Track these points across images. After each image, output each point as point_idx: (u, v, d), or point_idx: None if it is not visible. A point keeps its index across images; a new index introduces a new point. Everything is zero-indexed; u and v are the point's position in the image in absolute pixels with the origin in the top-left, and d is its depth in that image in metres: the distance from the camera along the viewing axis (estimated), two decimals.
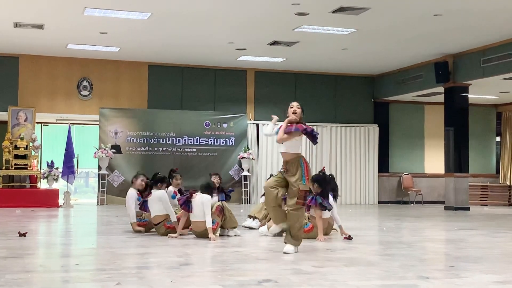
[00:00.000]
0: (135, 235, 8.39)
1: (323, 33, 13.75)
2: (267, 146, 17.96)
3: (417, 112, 19.75)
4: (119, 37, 14.48)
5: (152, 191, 8.61)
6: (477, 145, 19.69)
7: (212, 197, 8.14)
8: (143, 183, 8.93)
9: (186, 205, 8.08)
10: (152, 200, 8.60)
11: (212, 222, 8.04)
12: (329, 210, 8.12)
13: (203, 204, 7.89)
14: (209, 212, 7.89)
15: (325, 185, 8.10)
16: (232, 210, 8.54)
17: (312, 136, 6.73)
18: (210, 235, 7.75)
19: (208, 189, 8.07)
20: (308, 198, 6.85)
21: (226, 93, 17.92)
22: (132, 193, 8.92)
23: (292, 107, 6.80)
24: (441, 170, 17.65)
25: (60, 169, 15.40)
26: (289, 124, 6.71)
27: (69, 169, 15.37)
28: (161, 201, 8.35)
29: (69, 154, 15.45)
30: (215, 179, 10.34)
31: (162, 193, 8.41)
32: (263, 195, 10.14)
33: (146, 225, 8.82)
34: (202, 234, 7.98)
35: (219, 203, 8.38)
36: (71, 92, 16.75)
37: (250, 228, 9.55)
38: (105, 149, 16.01)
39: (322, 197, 8.00)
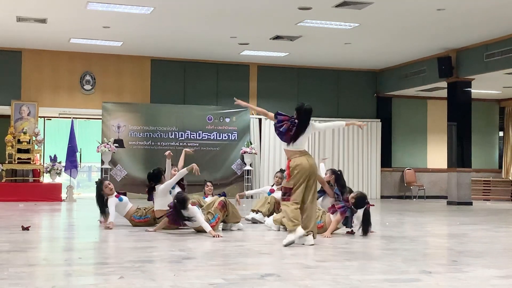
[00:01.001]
0: (137, 229, 8.40)
1: (326, 27, 13.73)
2: (269, 141, 17.96)
3: (420, 107, 19.72)
4: (122, 32, 14.47)
5: (156, 186, 8.64)
6: (479, 140, 19.66)
7: (187, 208, 7.81)
8: (109, 186, 8.79)
9: (176, 221, 7.92)
10: (156, 194, 8.64)
11: (213, 218, 8.04)
12: (347, 228, 8.02)
13: (194, 215, 7.76)
14: (202, 221, 7.75)
15: (361, 206, 7.92)
16: (235, 205, 8.56)
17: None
18: (213, 234, 7.60)
19: (183, 204, 7.77)
20: (287, 194, 7.01)
21: (229, 88, 17.90)
22: (112, 200, 8.67)
23: None
24: (444, 165, 17.64)
25: (63, 163, 15.42)
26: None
27: (72, 163, 15.39)
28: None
29: (72, 149, 15.47)
30: (207, 187, 10.29)
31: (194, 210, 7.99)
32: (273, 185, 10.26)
33: (147, 221, 8.81)
34: (201, 229, 7.92)
35: (222, 198, 8.36)
36: (74, 87, 16.75)
37: (254, 221, 9.55)
38: (107, 144, 16.01)
39: (352, 213, 7.89)
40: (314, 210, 7.20)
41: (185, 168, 8.61)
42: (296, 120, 7.15)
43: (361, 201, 7.88)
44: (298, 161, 7.02)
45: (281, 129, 7.10)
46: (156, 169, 8.86)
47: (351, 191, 8.25)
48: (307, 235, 6.94)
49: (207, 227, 7.68)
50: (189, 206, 7.77)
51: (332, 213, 7.96)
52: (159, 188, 8.59)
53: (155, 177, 8.72)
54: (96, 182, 8.96)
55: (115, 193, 8.79)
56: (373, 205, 8.14)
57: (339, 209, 7.87)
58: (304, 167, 6.99)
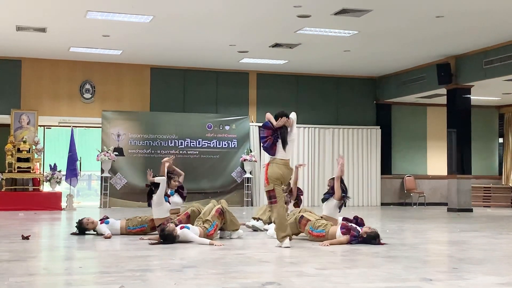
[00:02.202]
0: (137, 238, 8.38)
1: (325, 35, 13.76)
2: None
3: (420, 113, 19.74)
4: (122, 40, 14.50)
5: (154, 194, 8.63)
6: (479, 146, 19.66)
7: (177, 237, 7.81)
8: (89, 221, 8.77)
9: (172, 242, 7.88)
10: (153, 203, 8.64)
11: (211, 226, 8.03)
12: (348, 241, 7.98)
13: (186, 238, 7.75)
14: (197, 238, 7.74)
15: (367, 243, 7.85)
16: (234, 212, 8.55)
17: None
18: (215, 243, 7.62)
19: (171, 240, 7.71)
20: (273, 196, 7.61)
21: (228, 96, 17.93)
22: (101, 227, 8.65)
23: None
24: (444, 172, 17.63)
25: (63, 172, 15.41)
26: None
27: (72, 172, 15.38)
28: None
29: (72, 157, 15.46)
30: None
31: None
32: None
33: (144, 230, 8.78)
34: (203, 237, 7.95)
35: (219, 205, 8.36)
36: (73, 95, 16.76)
37: (254, 229, 9.55)
38: (107, 152, 16.02)
39: (360, 241, 7.82)
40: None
41: (157, 178, 8.60)
42: (276, 133, 7.62)
43: (371, 239, 7.84)
44: (272, 169, 7.63)
45: (265, 145, 7.65)
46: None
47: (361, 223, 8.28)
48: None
49: (204, 241, 7.67)
50: (178, 232, 7.75)
51: (343, 233, 7.90)
52: (154, 199, 8.60)
53: (155, 182, 8.74)
54: (76, 226, 8.91)
55: (99, 221, 8.78)
56: (385, 244, 8.01)
57: (351, 236, 7.82)
58: (277, 174, 7.60)
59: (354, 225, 8.02)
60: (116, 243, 7.87)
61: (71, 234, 8.88)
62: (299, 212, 8.61)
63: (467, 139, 16.26)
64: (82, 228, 8.81)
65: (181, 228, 7.85)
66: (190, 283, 4.90)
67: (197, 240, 7.70)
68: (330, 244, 7.70)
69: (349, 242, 7.79)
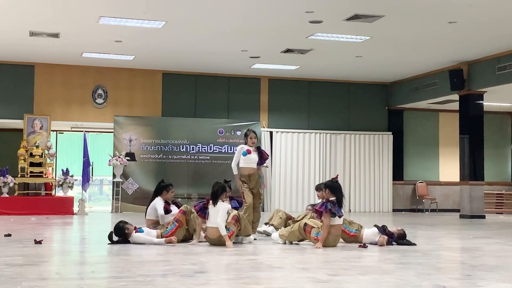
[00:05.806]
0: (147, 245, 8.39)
1: (337, 40, 13.75)
2: (280, 154, 17.96)
3: (432, 119, 19.67)
4: (134, 46, 14.56)
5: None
6: (492, 152, 19.55)
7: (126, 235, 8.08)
8: (129, 226, 8.37)
9: (202, 211, 8.08)
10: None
11: (228, 230, 8.04)
12: (339, 217, 8.05)
13: (219, 212, 7.95)
14: (222, 220, 7.91)
15: (336, 192, 8.07)
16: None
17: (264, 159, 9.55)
18: (227, 242, 7.75)
19: (220, 192, 8.21)
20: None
21: (240, 101, 17.95)
22: (137, 236, 8.37)
23: (251, 138, 9.42)
24: (456, 178, 17.55)
25: (75, 177, 15.45)
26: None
27: (85, 176, 15.45)
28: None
29: (86, 162, 15.52)
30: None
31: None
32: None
33: (177, 228, 8.54)
34: (217, 242, 8.00)
35: (236, 212, 8.38)
36: (86, 100, 16.84)
37: (266, 234, 9.54)
38: (119, 157, 16.06)
39: (332, 204, 7.96)
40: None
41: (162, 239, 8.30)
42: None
43: (333, 186, 8.13)
44: None
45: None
46: (120, 224, 8.37)
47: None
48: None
49: (223, 230, 7.87)
50: (226, 203, 8.15)
51: (320, 217, 8.04)
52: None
53: (119, 231, 8.31)
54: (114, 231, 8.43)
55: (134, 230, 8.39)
56: (338, 174, 8.55)
57: (321, 208, 7.93)
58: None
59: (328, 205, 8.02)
60: (128, 248, 7.88)
61: (109, 244, 8.23)
62: (302, 219, 8.78)
63: (479, 145, 16.19)
64: (120, 231, 8.22)
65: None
66: None
67: (219, 223, 7.93)
68: (333, 243, 7.94)
69: (330, 213, 7.85)
